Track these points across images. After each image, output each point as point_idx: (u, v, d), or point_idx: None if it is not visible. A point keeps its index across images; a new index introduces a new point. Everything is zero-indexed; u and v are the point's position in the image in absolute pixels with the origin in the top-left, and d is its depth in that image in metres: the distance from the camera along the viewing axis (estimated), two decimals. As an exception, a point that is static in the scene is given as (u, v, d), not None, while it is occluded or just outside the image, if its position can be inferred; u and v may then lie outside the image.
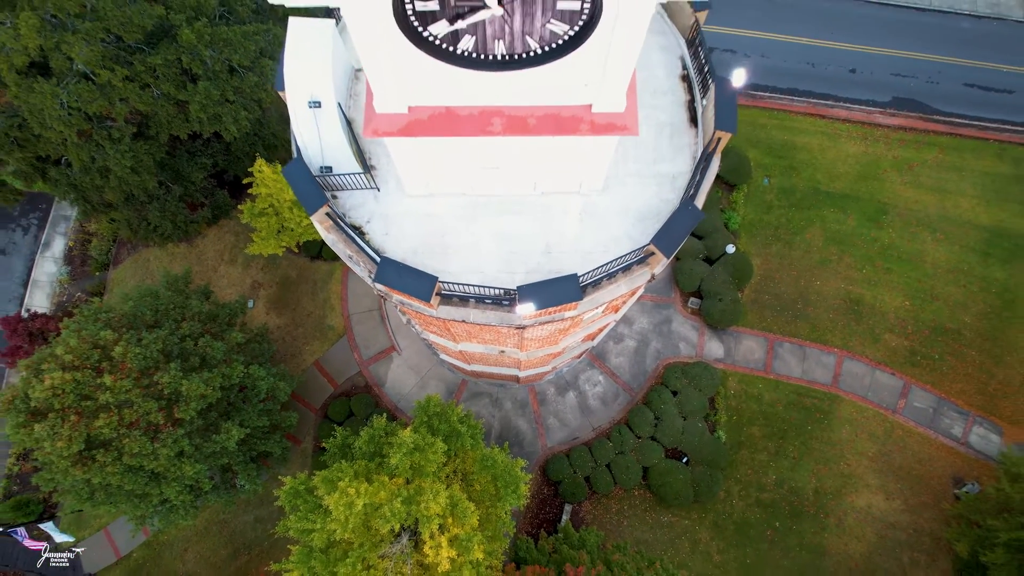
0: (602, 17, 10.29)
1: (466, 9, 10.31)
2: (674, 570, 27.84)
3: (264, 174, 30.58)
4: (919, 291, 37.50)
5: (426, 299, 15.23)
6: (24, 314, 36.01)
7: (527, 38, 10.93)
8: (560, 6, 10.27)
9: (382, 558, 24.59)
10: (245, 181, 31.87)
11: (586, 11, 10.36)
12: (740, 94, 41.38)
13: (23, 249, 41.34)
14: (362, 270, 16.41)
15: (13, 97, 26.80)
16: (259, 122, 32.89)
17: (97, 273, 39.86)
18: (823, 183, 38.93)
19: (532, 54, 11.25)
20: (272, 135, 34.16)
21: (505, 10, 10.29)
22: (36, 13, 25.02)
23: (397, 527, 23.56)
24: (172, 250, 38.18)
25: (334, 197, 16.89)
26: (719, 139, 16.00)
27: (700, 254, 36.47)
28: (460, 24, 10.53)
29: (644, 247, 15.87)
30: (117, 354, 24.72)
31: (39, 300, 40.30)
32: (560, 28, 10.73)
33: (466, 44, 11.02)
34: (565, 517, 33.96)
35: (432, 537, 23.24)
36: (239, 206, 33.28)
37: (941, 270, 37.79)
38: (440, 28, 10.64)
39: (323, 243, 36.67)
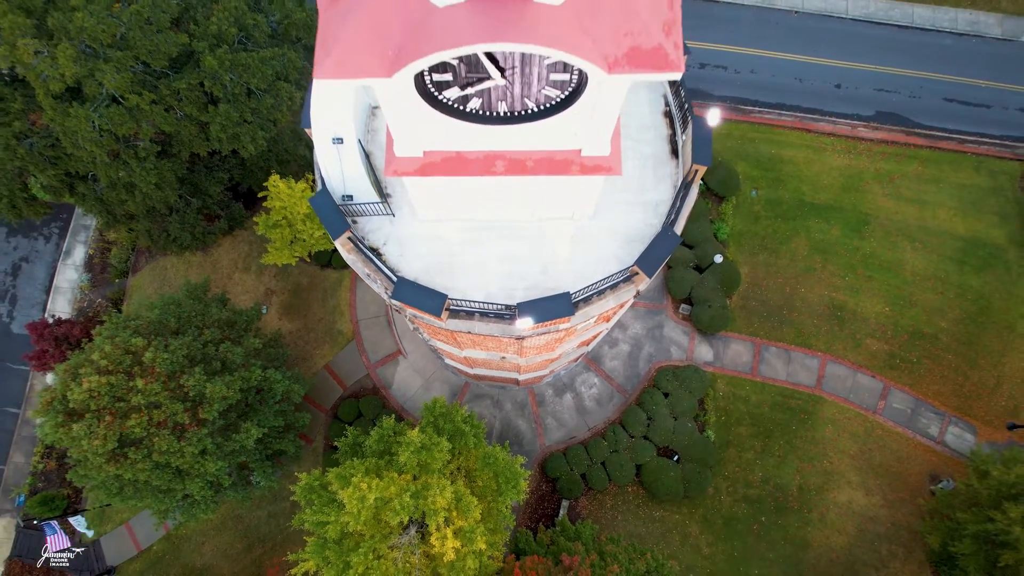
0: (588, 85, 12.43)
1: (475, 79, 12.44)
2: (663, 560, 29.98)
3: (279, 189, 32.75)
4: (899, 298, 39.64)
5: (437, 314, 17.39)
6: (49, 319, 38.06)
7: (526, 100, 13.08)
8: (552, 77, 12.40)
9: (392, 548, 26.59)
10: (261, 195, 34.04)
11: (574, 81, 12.50)
12: (730, 109, 43.55)
13: (45, 257, 43.47)
14: (379, 287, 18.57)
15: (49, 120, 28.94)
16: (273, 139, 34.99)
17: (116, 280, 42.00)
18: (808, 195, 41.07)
19: (530, 111, 13.40)
20: (285, 151, 36.29)
21: (507, 80, 12.42)
22: (72, 44, 27.14)
23: (406, 519, 25.45)
24: (189, 258, 40.32)
25: (354, 222, 19.06)
26: (696, 171, 18.15)
27: (691, 263, 38.62)
28: (470, 91, 12.66)
29: (629, 267, 18.02)
30: (147, 359, 26.84)
31: (61, 306, 42.44)
32: (553, 93, 12.88)
33: (474, 104, 13.17)
34: (562, 512, 36.13)
35: (438, 529, 25.16)
36: (254, 217, 35.40)
37: (919, 278, 39.93)
38: (453, 93, 12.78)
39: (333, 252, 38.80)
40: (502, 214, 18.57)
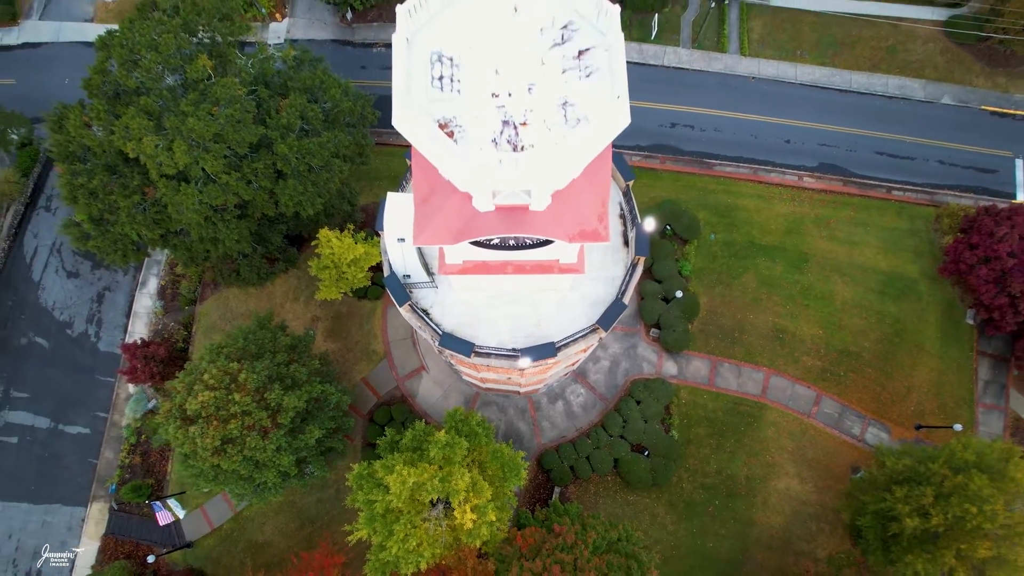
0: (561, 235, 22.43)
1: (496, 232, 22.43)
2: (631, 531, 39.94)
3: (329, 240, 42.78)
4: (830, 322, 49.73)
5: (467, 356, 27.42)
6: (138, 341, 47.98)
7: (526, 240, 23.07)
8: (541, 231, 22.39)
9: (424, 520, 36.34)
10: (313, 244, 44.06)
11: (553, 233, 22.50)
12: (696, 164, 53.53)
13: (124, 287, 53.50)
14: (427, 335, 28.60)
15: (161, 194, 38.87)
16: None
17: (186, 307, 52.01)
18: (757, 237, 51.12)
19: (528, 244, 23.38)
20: (332, 206, 46.17)
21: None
22: (184, 140, 37.03)
23: (435, 498, 35.17)
24: (248, 290, 50.31)
25: (411, 293, 29.06)
26: (638, 259, 28.16)
27: (659, 295, 48.65)
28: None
29: (593, 324, 28.04)
30: (242, 379, 36.82)
31: (139, 328, 52.43)
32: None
33: (496, 241, 23.15)
34: (555, 496, 46.21)
35: (459, 505, 34.77)
36: (308, 261, 45.35)
37: (848, 306, 50.00)
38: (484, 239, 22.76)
39: (368, 287, 48.64)
40: (510, 288, 28.57)
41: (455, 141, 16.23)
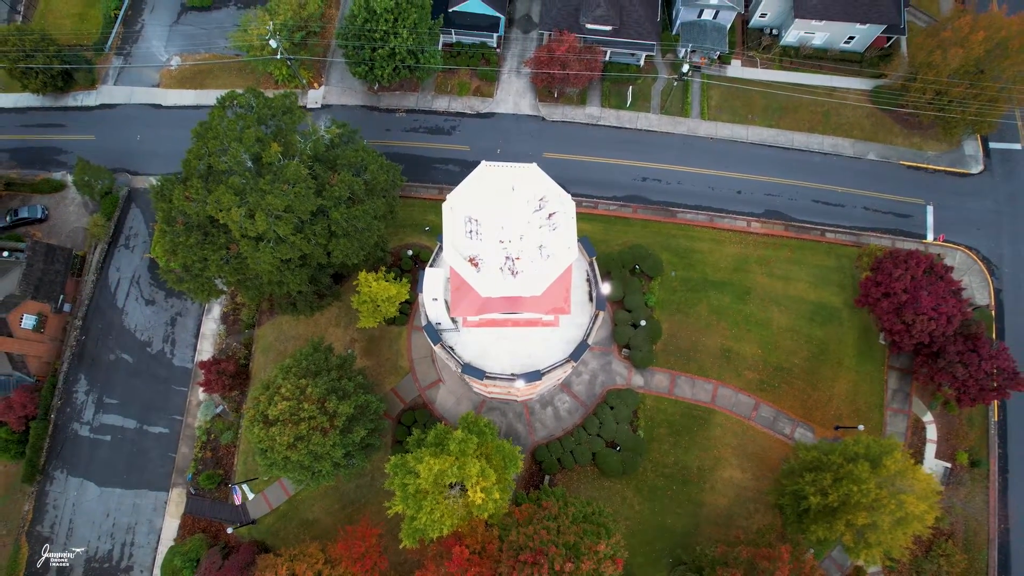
0: (542, 306, 36.54)
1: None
2: (603, 507, 54.03)
3: (368, 281, 56.81)
4: (768, 344, 63.84)
5: (480, 379, 41.53)
6: (211, 359, 62.02)
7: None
8: (529, 304, 36.51)
9: (445, 498, 50.37)
10: (354, 283, 58.07)
11: (537, 305, 36.62)
12: (662, 212, 67.53)
13: (193, 313, 67.62)
14: (452, 365, 42.69)
15: (242, 250, 52.86)
16: (363, 249, 58.84)
17: (246, 330, 66.10)
18: (710, 274, 65.23)
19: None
20: (369, 254, 60.10)
21: (513, 305, 36.54)
22: (263, 212, 50.98)
23: (454, 481, 49.07)
24: (299, 317, 64.31)
25: (441, 334, 43.12)
26: (599, 313, 42.19)
27: (629, 321, 62.75)
28: (499, 307, 36.78)
29: (567, 357, 42.14)
30: (308, 392, 50.87)
31: (206, 348, 66.54)
32: (530, 306, 37.01)
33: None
34: (545, 482, 60.35)
35: (472, 487, 48.74)
36: (351, 296, 59.37)
37: (782, 330, 64.13)
38: (493, 307, 36.91)
39: (395, 316, 62.63)
40: (510, 333, 42.64)
41: (479, 270, 30.18)
